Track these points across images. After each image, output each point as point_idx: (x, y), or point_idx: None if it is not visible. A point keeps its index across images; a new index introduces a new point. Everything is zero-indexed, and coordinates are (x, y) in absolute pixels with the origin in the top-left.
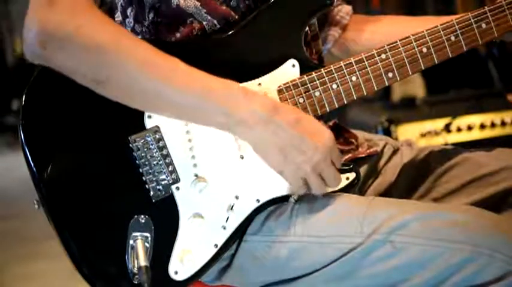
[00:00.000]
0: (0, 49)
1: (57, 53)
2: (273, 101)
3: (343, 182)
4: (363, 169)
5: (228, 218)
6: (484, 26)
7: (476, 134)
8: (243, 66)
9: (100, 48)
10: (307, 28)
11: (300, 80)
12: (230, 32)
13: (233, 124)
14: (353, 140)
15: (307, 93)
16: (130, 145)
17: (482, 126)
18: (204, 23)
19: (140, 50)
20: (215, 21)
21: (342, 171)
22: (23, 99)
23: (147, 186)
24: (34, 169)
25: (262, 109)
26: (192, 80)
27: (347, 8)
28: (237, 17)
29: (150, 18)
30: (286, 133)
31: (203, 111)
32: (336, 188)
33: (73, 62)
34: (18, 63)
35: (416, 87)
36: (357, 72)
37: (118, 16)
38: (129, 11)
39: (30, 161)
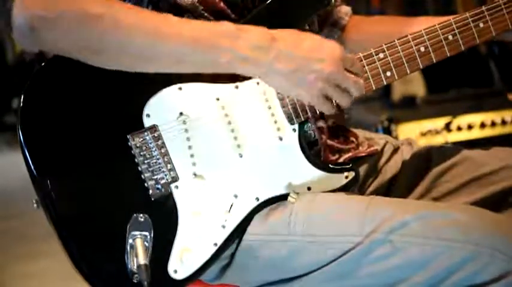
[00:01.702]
0: (1, 48)
1: (49, 34)
2: (268, 30)
3: (342, 181)
4: (363, 168)
5: (227, 217)
6: (481, 25)
7: (476, 133)
8: None
9: (92, 20)
10: (307, 27)
11: None
12: None
13: (235, 61)
14: (353, 139)
15: None
16: (129, 144)
17: (483, 126)
18: (201, 19)
19: (130, 13)
20: (212, 18)
21: (341, 170)
22: (21, 99)
23: (146, 185)
24: (33, 169)
25: (259, 40)
26: (186, 28)
27: (346, 9)
28: (233, 15)
29: None
30: (289, 57)
31: (202, 56)
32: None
33: (68, 38)
34: (18, 62)
35: (417, 86)
36: None
37: None
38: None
39: (29, 161)
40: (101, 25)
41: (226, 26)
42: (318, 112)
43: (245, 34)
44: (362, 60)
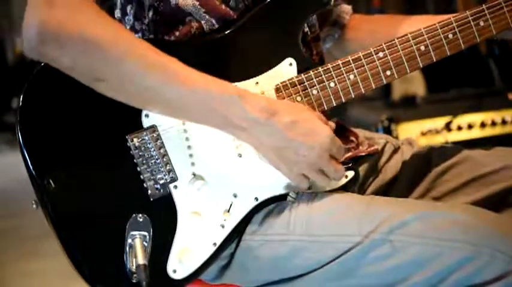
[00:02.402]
0: (1, 48)
1: (57, 52)
2: (269, 103)
3: (342, 180)
4: (363, 168)
5: (226, 216)
6: (482, 23)
7: (476, 133)
8: (240, 65)
9: (99, 47)
10: (307, 29)
11: (298, 79)
12: (227, 31)
13: (229, 126)
14: (353, 139)
15: (304, 92)
16: (128, 144)
17: (483, 125)
18: (203, 22)
19: (139, 49)
20: (213, 21)
21: None
22: (21, 100)
23: (145, 185)
24: (32, 170)
25: (258, 113)
26: (190, 81)
27: (346, 8)
28: (235, 16)
29: (150, 16)
30: (281, 136)
31: (199, 112)
32: (339, 183)
33: (73, 60)
34: (18, 62)
35: (417, 86)
36: (355, 71)
37: (117, 13)
38: (128, 8)
39: (28, 162)
40: (107, 56)
41: (228, 90)
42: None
43: (244, 103)
44: (362, 59)
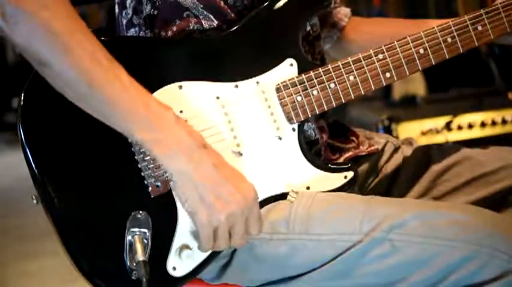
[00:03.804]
0: (1, 48)
1: (14, 27)
2: (202, 138)
3: (341, 181)
4: (363, 167)
5: None
6: (480, 28)
7: (477, 133)
8: (240, 65)
9: (49, 33)
10: (309, 28)
11: (298, 79)
12: (228, 31)
13: (156, 144)
14: (354, 138)
15: (305, 92)
16: (129, 141)
17: (483, 125)
18: (201, 17)
19: (86, 44)
20: (212, 16)
21: (340, 170)
22: (21, 98)
23: (145, 182)
24: (33, 166)
25: (191, 139)
26: (130, 92)
27: (345, 10)
28: (233, 14)
29: (147, 10)
30: (209, 171)
31: (130, 120)
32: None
33: (25, 38)
34: (18, 62)
35: (417, 86)
36: (354, 72)
37: (117, 7)
38: (128, 1)
39: (30, 158)
40: (53, 42)
41: (169, 112)
42: (317, 113)
43: (180, 129)
44: (362, 61)
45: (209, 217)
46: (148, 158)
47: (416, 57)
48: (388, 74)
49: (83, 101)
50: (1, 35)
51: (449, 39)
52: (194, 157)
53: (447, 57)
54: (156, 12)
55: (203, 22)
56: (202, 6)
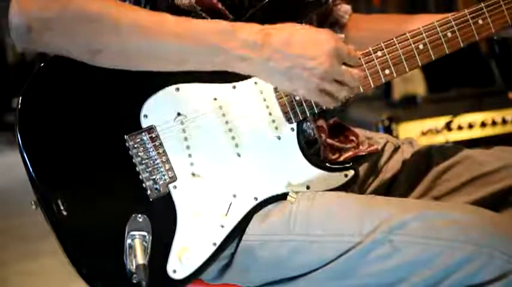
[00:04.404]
0: (1, 48)
1: (47, 34)
2: (261, 27)
3: (342, 180)
4: (363, 167)
5: (226, 216)
6: (480, 21)
7: (477, 133)
8: None
9: (90, 19)
10: None
11: None
12: None
13: (231, 60)
14: (354, 138)
15: None
16: (127, 144)
17: (483, 125)
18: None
19: (128, 12)
20: (210, 19)
21: (340, 169)
22: (20, 101)
23: (144, 185)
24: (31, 170)
25: (253, 37)
26: (181, 28)
27: (346, 7)
28: (231, 15)
29: None
30: (282, 55)
31: (199, 55)
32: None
33: (66, 38)
34: (18, 62)
35: (417, 86)
36: None
37: None
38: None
39: (27, 162)
40: (99, 25)
41: (221, 25)
42: (316, 112)
43: (239, 33)
44: (360, 59)
45: (307, 87)
46: (146, 161)
47: (416, 53)
48: (387, 71)
49: (153, 61)
50: (32, 47)
51: (449, 34)
52: (264, 51)
53: (447, 52)
54: None
55: None
56: (200, 8)
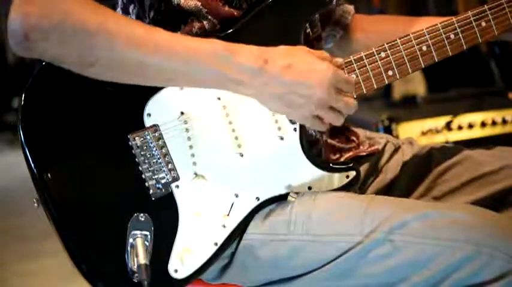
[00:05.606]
0: (1, 48)
1: (43, 43)
2: (262, 50)
3: (344, 180)
4: (363, 167)
5: (227, 216)
6: (483, 24)
7: (477, 133)
8: None
9: (88, 33)
10: (309, 29)
11: None
12: (228, 31)
13: (226, 83)
14: (354, 138)
15: None
16: (130, 143)
17: (484, 125)
18: (205, 22)
19: (125, 27)
20: (216, 21)
21: (342, 169)
22: (22, 99)
23: (146, 184)
24: (33, 168)
25: (250, 63)
26: (177, 46)
27: (349, 8)
28: (237, 14)
29: (151, 16)
30: (279, 82)
31: (194, 74)
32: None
33: (59, 49)
34: (18, 62)
35: (417, 86)
36: (357, 71)
37: (119, 12)
38: (131, 8)
39: (30, 160)
40: (95, 40)
41: (216, 46)
42: None
43: (236, 57)
44: (364, 59)
45: (301, 113)
46: (148, 160)
47: (419, 55)
48: (390, 72)
49: (145, 78)
50: (26, 55)
51: (452, 36)
52: (261, 77)
53: (450, 54)
54: (159, 17)
55: (207, 26)
56: (206, 10)
